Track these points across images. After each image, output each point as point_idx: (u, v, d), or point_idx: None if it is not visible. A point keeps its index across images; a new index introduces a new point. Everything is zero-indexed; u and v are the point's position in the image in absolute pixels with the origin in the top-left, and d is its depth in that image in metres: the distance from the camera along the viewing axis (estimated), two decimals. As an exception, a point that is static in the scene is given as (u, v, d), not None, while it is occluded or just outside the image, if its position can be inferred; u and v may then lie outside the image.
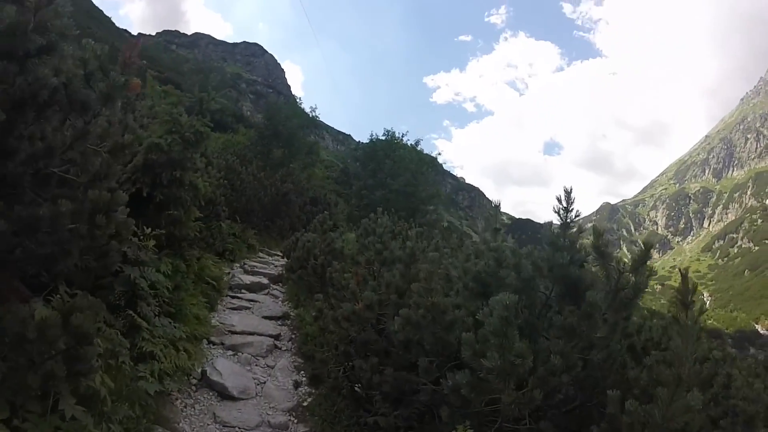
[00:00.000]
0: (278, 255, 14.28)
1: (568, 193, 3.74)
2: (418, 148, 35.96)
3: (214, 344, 6.25)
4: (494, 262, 3.74)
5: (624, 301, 3.63)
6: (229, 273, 10.49)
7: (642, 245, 3.54)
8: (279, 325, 7.68)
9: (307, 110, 31.93)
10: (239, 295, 8.92)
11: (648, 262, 3.56)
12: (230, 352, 6.18)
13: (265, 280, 10.20)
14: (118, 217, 3.02)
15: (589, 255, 3.64)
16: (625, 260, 3.48)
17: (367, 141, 36.84)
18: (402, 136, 36.12)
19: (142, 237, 4.49)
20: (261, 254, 13.89)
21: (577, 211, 3.82)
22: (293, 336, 7.17)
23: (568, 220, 3.73)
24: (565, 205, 3.72)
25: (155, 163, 4.92)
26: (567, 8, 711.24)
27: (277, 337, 7.02)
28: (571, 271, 3.39)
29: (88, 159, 3.25)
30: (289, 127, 25.97)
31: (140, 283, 4.19)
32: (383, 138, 36.03)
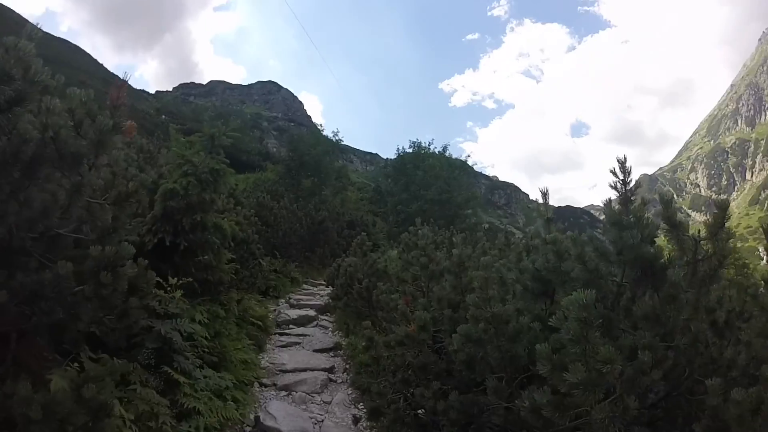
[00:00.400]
0: (322, 284, 14.04)
1: (622, 163, 3.29)
2: (447, 154, 35.44)
3: (265, 386, 5.94)
4: (554, 256, 3.27)
5: (707, 274, 3.14)
6: (274, 310, 10.28)
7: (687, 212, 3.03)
8: (331, 356, 7.33)
9: (330, 136, 31.83)
10: (287, 330, 8.66)
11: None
12: (283, 393, 5.85)
13: (312, 312, 9.92)
14: (128, 271, 2.74)
15: (656, 229, 3.15)
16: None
17: (395, 156, 36.70)
18: (428, 145, 35.77)
19: (169, 288, 4.24)
20: (305, 286, 13.69)
21: (637, 182, 3.35)
22: (347, 366, 6.80)
23: (629, 195, 3.25)
24: (621, 177, 3.25)
25: (174, 210, 4.72)
26: None
27: (330, 369, 6.67)
28: (643, 251, 2.90)
29: (95, 214, 3.03)
30: (314, 155, 26.00)
31: (173, 337, 3.92)
32: (410, 150, 35.81)
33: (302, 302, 10.99)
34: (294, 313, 9.66)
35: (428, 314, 4.24)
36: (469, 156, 39.34)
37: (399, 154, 36.42)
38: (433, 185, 30.94)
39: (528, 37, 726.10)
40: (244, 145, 39.41)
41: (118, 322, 3.07)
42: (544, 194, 4.04)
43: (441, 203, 29.91)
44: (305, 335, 8.47)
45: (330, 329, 8.95)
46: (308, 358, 7.06)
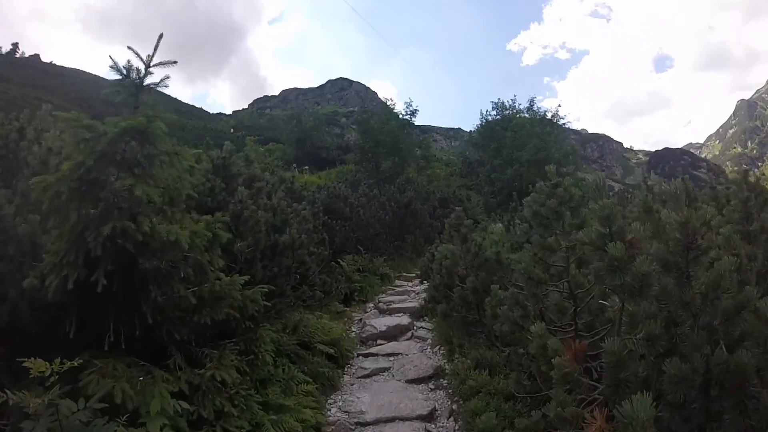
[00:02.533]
0: (417, 276, 11.93)
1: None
2: (534, 109, 31.64)
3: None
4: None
5: None
6: (359, 320, 8.34)
7: None
8: (431, 390, 5.15)
9: (403, 108, 28.93)
10: (373, 350, 6.63)
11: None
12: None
13: (405, 319, 7.81)
14: None
15: None
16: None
17: (479, 123, 33.57)
18: (513, 103, 32.24)
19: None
20: (398, 282, 11.62)
21: None
22: (454, 408, 4.58)
23: None
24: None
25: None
26: None
27: (429, 417, 4.48)
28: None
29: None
30: (389, 131, 23.66)
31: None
32: (494, 112, 32.52)
33: (393, 305, 8.92)
34: (382, 323, 7.60)
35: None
36: (560, 106, 34.66)
37: (483, 119, 33.19)
38: (527, 144, 27.63)
39: None
40: (322, 141, 38.45)
41: None
42: None
43: (538, 163, 26.49)
44: (397, 354, 6.38)
45: (428, 342, 6.77)
46: (399, 396, 4.92)
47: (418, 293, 9.93)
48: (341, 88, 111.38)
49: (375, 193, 14.70)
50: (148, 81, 3.25)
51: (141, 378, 2.72)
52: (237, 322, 3.60)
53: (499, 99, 32.86)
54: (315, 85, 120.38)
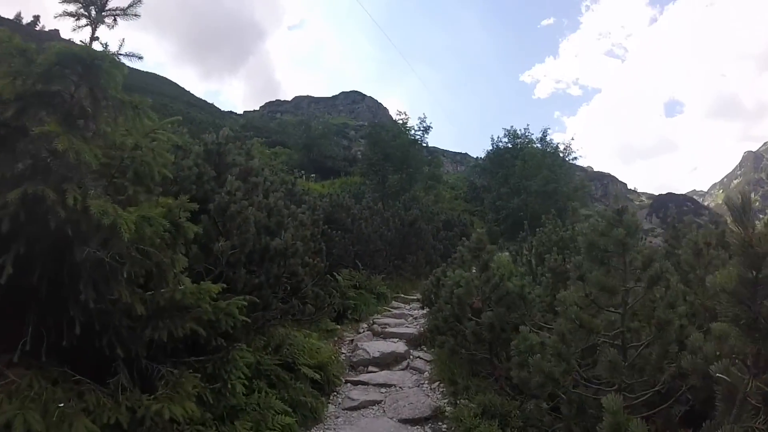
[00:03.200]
0: (416, 300, 11.22)
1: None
2: (547, 140, 31.21)
3: None
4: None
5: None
6: (351, 341, 7.63)
7: None
8: (429, 435, 4.44)
9: (416, 124, 27.81)
10: (363, 378, 5.91)
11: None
12: None
13: (401, 346, 7.09)
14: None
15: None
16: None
17: (489, 149, 33.09)
18: (525, 132, 31.80)
19: None
20: (395, 303, 10.90)
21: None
22: (458, 466, 3.87)
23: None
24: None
25: None
26: None
27: (428, 474, 3.77)
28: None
29: None
30: (399, 145, 22.87)
31: None
32: (505, 140, 32.05)
33: (389, 329, 8.20)
34: (376, 348, 6.88)
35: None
36: (573, 139, 33.95)
37: (494, 145, 32.75)
38: (537, 175, 27.06)
39: (606, 15, 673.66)
40: (329, 151, 37.93)
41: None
42: None
43: (546, 195, 25.94)
44: (389, 386, 5.65)
45: (426, 375, 6.04)
46: (390, 441, 4.21)
47: (416, 318, 9.22)
48: (353, 101, 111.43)
49: (379, 208, 14.02)
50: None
51: (62, 405, 2.02)
52: (207, 338, 2.90)
53: (512, 126, 32.52)
54: (328, 94, 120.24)
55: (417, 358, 6.80)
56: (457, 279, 5.19)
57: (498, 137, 32.17)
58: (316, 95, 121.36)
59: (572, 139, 30.59)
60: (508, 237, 26.65)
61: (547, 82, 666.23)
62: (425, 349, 7.09)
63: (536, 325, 4.00)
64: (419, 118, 27.74)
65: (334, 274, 9.54)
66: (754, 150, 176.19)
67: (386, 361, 6.61)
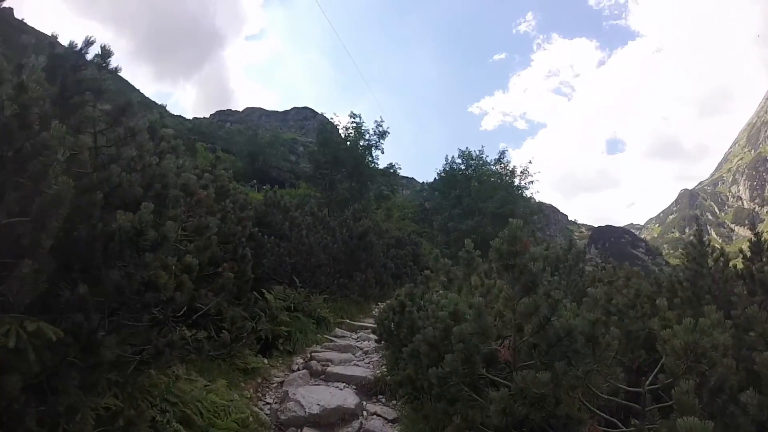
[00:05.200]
0: (365, 326, 9.13)
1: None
2: (504, 162, 29.97)
3: None
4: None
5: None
6: (280, 385, 5.48)
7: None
8: None
9: (372, 127, 24.80)
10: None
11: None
12: None
13: (350, 397, 4.95)
14: None
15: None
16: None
17: (442, 169, 31.57)
18: (480, 154, 30.54)
19: None
20: (339, 330, 8.76)
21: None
22: None
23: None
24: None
25: None
26: (591, 0, 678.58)
27: None
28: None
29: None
30: (350, 149, 20.38)
31: None
32: (459, 161, 30.61)
33: (332, 367, 6.06)
34: (314, 399, 4.72)
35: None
36: (531, 162, 31.45)
37: (447, 165, 31.21)
38: (493, 197, 25.78)
39: (556, 54, 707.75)
40: (275, 161, 35.53)
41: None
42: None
43: (503, 218, 24.60)
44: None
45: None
46: None
47: (367, 353, 7.13)
48: (305, 117, 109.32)
49: (324, 215, 11.88)
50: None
51: None
52: None
53: (467, 148, 31.16)
54: (280, 109, 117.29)
55: (373, 415, 4.70)
56: (450, 307, 3.19)
57: (452, 157, 30.77)
58: (267, 108, 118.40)
59: (530, 162, 28.82)
60: (459, 261, 25.06)
61: (495, 114, 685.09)
62: (384, 401, 5.02)
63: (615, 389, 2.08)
64: (375, 121, 25.11)
65: (263, 290, 7.34)
66: (690, 188, 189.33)
67: (329, 420, 4.49)
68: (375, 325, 9.07)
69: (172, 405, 3.27)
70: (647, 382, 2.33)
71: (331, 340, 7.87)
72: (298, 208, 12.06)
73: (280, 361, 6.78)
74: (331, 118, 22.85)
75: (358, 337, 8.31)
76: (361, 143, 21.14)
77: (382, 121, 24.13)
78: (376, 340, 6.82)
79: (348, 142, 20.56)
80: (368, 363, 6.62)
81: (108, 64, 3.28)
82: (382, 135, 23.52)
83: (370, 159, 21.48)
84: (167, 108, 64.56)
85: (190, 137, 37.42)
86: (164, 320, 3.02)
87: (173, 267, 2.56)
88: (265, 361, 6.57)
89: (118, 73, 3.65)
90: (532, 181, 28.82)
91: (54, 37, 3.62)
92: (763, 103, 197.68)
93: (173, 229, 2.36)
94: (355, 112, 22.22)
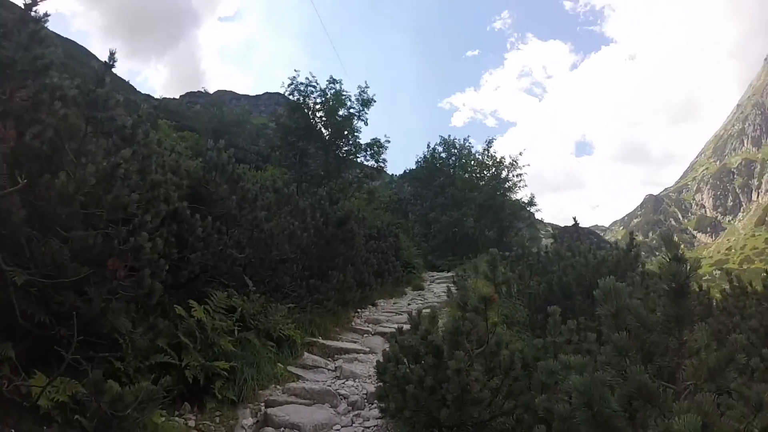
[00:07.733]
0: (346, 349, 6.46)
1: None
2: (491, 152, 27.21)
3: None
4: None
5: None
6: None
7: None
8: None
9: (355, 93, 21.40)
10: None
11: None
12: None
13: None
14: None
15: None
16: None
17: (424, 155, 28.75)
18: (464, 142, 27.93)
19: None
20: (309, 355, 6.04)
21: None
22: None
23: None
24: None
25: None
26: (567, 5, 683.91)
27: None
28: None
29: None
30: (328, 114, 16.91)
31: None
32: (440, 148, 27.86)
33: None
34: None
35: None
36: (520, 155, 27.71)
37: (429, 152, 28.41)
38: (479, 189, 23.36)
39: (530, 54, 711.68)
40: (241, 142, 32.39)
41: None
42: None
43: (493, 210, 22.21)
44: None
45: None
46: None
47: (354, 405, 4.46)
48: (277, 102, 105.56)
49: (292, 192, 9.05)
50: None
51: None
52: None
53: (449, 135, 28.54)
54: (252, 93, 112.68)
55: None
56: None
57: (434, 145, 28.06)
58: (239, 92, 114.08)
59: (520, 154, 25.37)
60: (439, 255, 22.64)
61: (465, 111, 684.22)
62: None
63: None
64: (359, 86, 21.77)
65: (190, 302, 4.59)
66: (655, 194, 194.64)
67: None
68: (359, 347, 6.46)
69: None
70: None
71: (299, 377, 5.18)
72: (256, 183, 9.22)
73: (217, 420, 4.15)
74: (307, 78, 19.36)
75: (336, 369, 5.64)
76: (341, 112, 18.07)
77: (366, 87, 20.92)
78: (379, 410, 3.92)
79: (325, 108, 17.38)
80: (361, 421, 3.99)
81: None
82: (366, 103, 20.16)
83: (350, 130, 18.32)
84: (134, 86, 60.13)
85: (157, 114, 33.93)
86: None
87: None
88: (191, 422, 3.99)
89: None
90: (520, 174, 25.89)
91: None
92: (730, 117, 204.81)
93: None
94: (335, 78, 19.11)
